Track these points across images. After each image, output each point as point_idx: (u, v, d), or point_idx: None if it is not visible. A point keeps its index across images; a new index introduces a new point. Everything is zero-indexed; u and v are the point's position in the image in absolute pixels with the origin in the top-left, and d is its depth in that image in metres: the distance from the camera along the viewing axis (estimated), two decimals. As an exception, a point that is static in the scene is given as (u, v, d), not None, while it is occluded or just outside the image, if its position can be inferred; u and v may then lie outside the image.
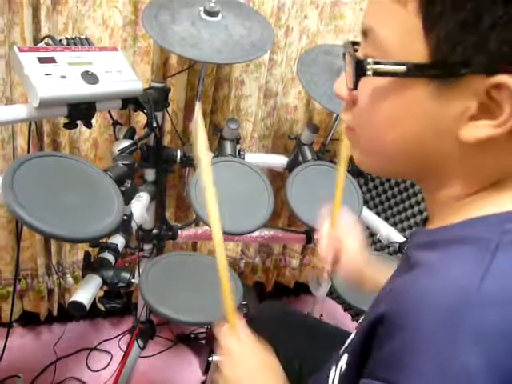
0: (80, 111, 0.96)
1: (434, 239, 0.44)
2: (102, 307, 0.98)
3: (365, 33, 0.43)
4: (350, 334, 0.93)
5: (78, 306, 0.83)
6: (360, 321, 0.55)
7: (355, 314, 1.88)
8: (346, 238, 0.82)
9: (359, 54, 0.44)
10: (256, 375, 0.62)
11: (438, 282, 0.37)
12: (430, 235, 0.46)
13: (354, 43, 0.46)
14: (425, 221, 0.53)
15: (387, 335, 0.38)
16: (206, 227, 1.24)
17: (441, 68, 0.38)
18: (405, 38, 0.39)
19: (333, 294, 1.87)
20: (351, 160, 1.63)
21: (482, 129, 0.38)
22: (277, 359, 0.65)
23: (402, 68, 0.39)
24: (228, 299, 0.64)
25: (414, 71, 0.39)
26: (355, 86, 0.43)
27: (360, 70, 0.41)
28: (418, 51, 0.38)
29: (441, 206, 0.46)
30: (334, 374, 0.54)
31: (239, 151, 1.33)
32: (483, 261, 0.37)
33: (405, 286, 0.40)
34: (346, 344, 0.54)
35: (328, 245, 0.82)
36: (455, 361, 0.33)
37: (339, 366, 0.52)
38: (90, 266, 0.93)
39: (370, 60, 0.40)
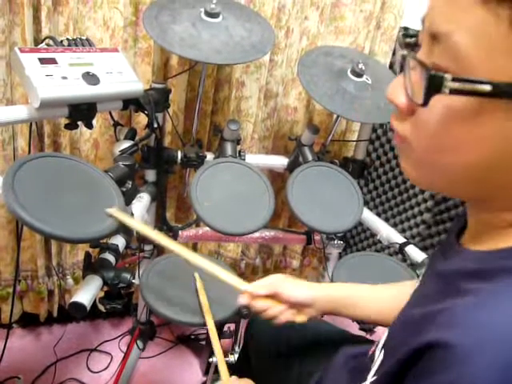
0: (81, 112, 0.96)
1: (487, 267, 0.40)
2: (102, 308, 0.98)
3: (435, 37, 0.37)
4: (350, 334, 0.93)
5: (78, 306, 0.83)
6: (384, 339, 0.52)
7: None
8: (279, 283, 0.79)
9: (425, 61, 0.38)
10: None
11: (499, 315, 0.35)
12: (480, 261, 0.41)
13: (415, 45, 0.41)
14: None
15: (442, 364, 0.35)
16: (207, 228, 1.24)
17: None
18: (491, 50, 0.33)
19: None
20: (351, 160, 1.63)
21: None
22: None
23: (487, 87, 0.33)
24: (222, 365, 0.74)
25: (502, 92, 0.33)
26: (425, 103, 0.36)
27: (434, 85, 0.35)
28: (504, 67, 0.33)
29: (493, 229, 0.42)
30: None
31: (240, 152, 1.33)
32: None
33: (459, 316, 0.37)
34: (376, 367, 0.50)
35: (259, 297, 0.78)
36: None
37: None
38: (91, 266, 0.92)
39: (447, 76, 0.34)
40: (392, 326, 0.51)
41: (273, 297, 0.78)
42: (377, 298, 0.80)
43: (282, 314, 0.78)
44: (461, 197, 0.46)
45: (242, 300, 0.78)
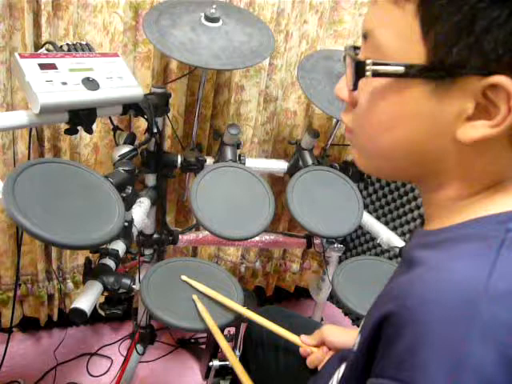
0: (81, 117, 0.96)
1: (436, 239, 0.44)
2: (102, 313, 0.98)
3: (365, 36, 0.44)
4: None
5: (79, 312, 0.83)
6: (360, 327, 0.54)
7: (356, 318, 1.88)
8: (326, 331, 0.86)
9: (360, 57, 0.44)
10: None
11: (445, 277, 0.37)
12: (430, 235, 0.46)
13: (356, 48, 0.47)
14: (423, 223, 0.53)
15: (396, 333, 0.38)
16: (207, 232, 1.24)
17: (438, 69, 0.38)
18: (403, 39, 0.40)
19: (333, 298, 1.87)
20: (352, 164, 1.64)
21: (479, 129, 0.38)
22: None
23: (400, 69, 0.39)
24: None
25: (412, 72, 0.39)
26: (355, 87, 0.43)
27: (359, 70, 0.42)
28: (415, 53, 0.39)
29: (439, 208, 0.47)
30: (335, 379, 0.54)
31: (240, 156, 1.33)
32: (489, 257, 0.37)
33: (410, 283, 0.40)
34: (345, 353, 0.55)
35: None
36: (469, 357, 0.33)
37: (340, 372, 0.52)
38: (91, 272, 0.93)
39: (369, 61, 0.41)
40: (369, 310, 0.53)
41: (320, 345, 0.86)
42: None
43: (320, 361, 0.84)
44: (403, 179, 0.52)
45: (303, 353, 0.87)
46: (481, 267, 0.36)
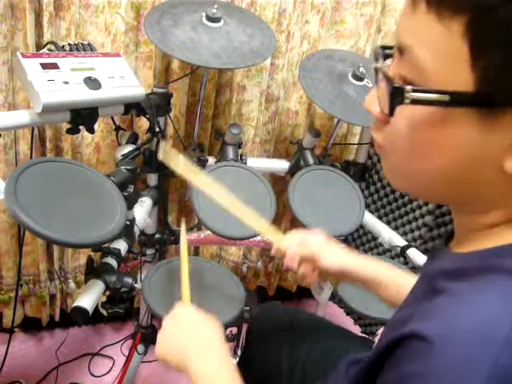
0: (83, 117, 0.96)
1: (463, 267, 0.42)
2: (104, 312, 0.98)
3: (400, 50, 0.39)
4: (355, 336, 0.93)
5: (80, 311, 0.83)
6: (377, 341, 0.53)
7: (358, 318, 1.87)
8: (311, 239, 0.82)
9: (393, 73, 0.40)
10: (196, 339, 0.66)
11: (469, 310, 0.36)
12: (459, 261, 0.44)
13: (386, 48, 0.43)
14: (447, 238, 0.50)
15: (409, 356, 0.37)
16: (208, 232, 1.24)
17: (487, 98, 0.35)
18: (448, 62, 0.35)
19: (335, 298, 1.86)
20: (353, 163, 1.64)
21: None
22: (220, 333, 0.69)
23: (445, 97, 0.35)
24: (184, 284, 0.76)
25: (458, 101, 0.35)
26: (391, 114, 0.39)
27: (397, 97, 0.37)
28: (462, 78, 0.35)
29: (474, 231, 0.44)
30: None
31: (241, 156, 1.34)
32: None
33: (432, 311, 0.38)
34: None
35: (295, 252, 0.81)
36: None
37: None
38: (93, 271, 0.93)
39: (408, 87, 0.37)
40: (385, 327, 0.52)
41: (307, 257, 0.80)
42: (397, 282, 0.80)
43: (309, 277, 0.81)
44: (438, 201, 0.50)
45: (274, 252, 0.82)
46: (505, 305, 0.35)
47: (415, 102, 0.37)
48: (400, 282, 0.78)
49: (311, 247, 0.80)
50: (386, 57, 0.43)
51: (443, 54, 0.36)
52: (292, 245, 0.81)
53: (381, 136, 0.44)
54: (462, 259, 0.43)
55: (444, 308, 0.38)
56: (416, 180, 0.44)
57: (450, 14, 0.34)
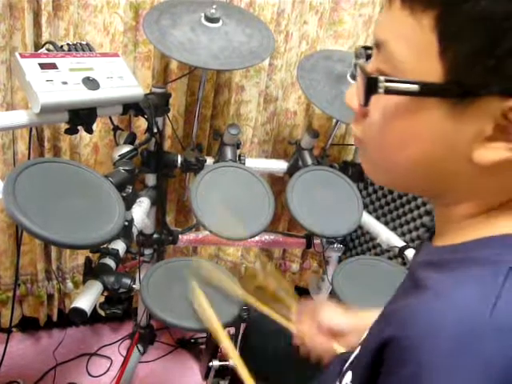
0: (81, 117, 0.96)
1: (443, 259, 0.43)
2: (102, 313, 0.98)
3: (377, 45, 0.41)
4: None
5: (79, 312, 0.83)
6: (364, 337, 0.53)
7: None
8: (323, 312, 0.81)
9: (371, 67, 0.42)
10: None
11: (449, 306, 0.36)
12: (438, 254, 0.45)
13: (367, 48, 0.45)
14: (431, 235, 0.51)
15: (397, 360, 0.37)
16: (207, 232, 1.24)
17: (456, 88, 0.36)
18: (419, 54, 0.37)
19: (333, 298, 1.87)
20: (351, 164, 1.63)
21: (497, 151, 0.37)
22: None
23: (416, 87, 0.37)
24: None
25: (428, 91, 0.37)
26: (366, 103, 0.40)
27: (371, 87, 0.39)
28: (432, 69, 0.37)
29: (450, 224, 0.45)
30: None
31: (239, 156, 1.34)
32: (495, 284, 0.36)
33: (414, 310, 0.38)
34: (350, 360, 0.53)
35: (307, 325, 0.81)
36: None
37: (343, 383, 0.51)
38: (91, 271, 0.93)
39: (381, 78, 0.38)
40: (372, 323, 0.52)
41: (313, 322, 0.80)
42: None
43: (324, 347, 0.79)
44: (416, 193, 0.50)
45: (297, 341, 0.81)
46: (486, 296, 0.35)
47: (388, 91, 0.38)
48: None
49: (313, 313, 0.81)
50: (369, 57, 0.45)
51: (415, 46, 0.37)
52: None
53: (360, 129, 0.46)
54: (439, 251, 0.45)
55: (424, 305, 0.38)
56: (393, 173, 0.45)
57: (422, 8, 0.36)
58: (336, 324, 0.78)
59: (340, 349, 0.77)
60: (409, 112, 0.39)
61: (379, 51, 0.41)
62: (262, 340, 0.97)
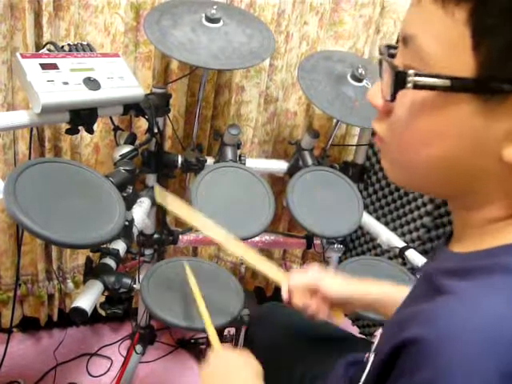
0: (82, 117, 0.96)
1: (466, 266, 0.41)
2: (102, 312, 0.98)
3: (405, 40, 0.40)
4: (352, 336, 0.93)
5: (79, 312, 0.83)
6: (377, 342, 0.52)
7: (356, 318, 1.88)
8: (319, 277, 0.81)
9: (398, 63, 0.41)
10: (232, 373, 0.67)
11: (471, 311, 0.35)
12: (460, 261, 0.43)
13: (391, 47, 0.44)
14: (448, 238, 0.49)
15: (416, 363, 0.36)
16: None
17: (488, 84, 0.35)
18: (450, 49, 0.36)
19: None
20: (351, 164, 1.64)
21: None
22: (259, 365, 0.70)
23: (446, 82, 0.36)
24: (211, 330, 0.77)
25: (459, 86, 0.36)
26: (393, 98, 0.40)
27: (399, 81, 0.38)
28: (464, 64, 0.35)
29: (473, 228, 0.43)
30: None
31: (240, 156, 1.34)
32: None
33: (434, 312, 0.37)
34: (367, 370, 0.51)
35: (299, 292, 0.81)
36: None
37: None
38: (92, 271, 0.93)
39: (410, 71, 0.37)
40: (383, 329, 0.51)
41: (311, 291, 0.80)
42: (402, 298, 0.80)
43: (321, 312, 0.80)
44: (437, 195, 0.49)
45: (284, 296, 0.82)
46: (510, 304, 0.34)
47: (417, 86, 0.37)
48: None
49: (313, 280, 0.81)
50: (391, 56, 0.44)
51: (446, 40, 0.36)
52: (291, 280, 0.82)
53: (382, 127, 0.45)
54: (462, 258, 0.43)
55: (448, 308, 0.37)
56: (415, 171, 0.43)
57: (455, 1, 0.35)
58: (335, 292, 0.79)
59: (339, 319, 0.80)
60: (437, 107, 0.38)
61: (406, 46, 0.40)
62: (264, 354, 0.97)
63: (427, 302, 0.40)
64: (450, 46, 0.36)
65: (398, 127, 0.42)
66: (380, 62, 0.43)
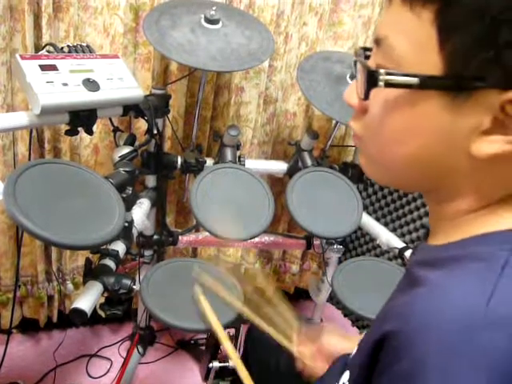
0: (81, 118, 0.96)
1: (439, 256, 0.43)
2: (102, 314, 0.98)
3: (377, 41, 0.42)
4: (351, 336, 0.93)
5: (79, 313, 0.83)
6: (362, 338, 0.54)
7: (356, 319, 1.88)
8: (324, 337, 0.83)
9: (371, 63, 0.43)
10: None
11: (444, 301, 0.36)
12: (434, 252, 0.45)
13: (366, 49, 0.45)
14: (426, 235, 0.51)
15: (395, 355, 0.37)
16: (206, 233, 1.24)
17: (455, 81, 0.36)
18: (418, 48, 0.38)
19: (333, 299, 1.87)
20: (351, 165, 1.64)
21: (495, 144, 0.37)
22: None
23: (415, 80, 0.37)
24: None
25: (427, 84, 0.37)
26: (366, 97, 0.41)
27: (371, 80, 0.39)
28: (431, 63, 0.37)
29: (446, 221, 0.45)
30: None
31: (239, 157, 1.34)
32: (490, 280, 0.36)
33: (410, 305, 0.39)
34: (348, 361, 0.53)
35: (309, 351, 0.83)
36: None
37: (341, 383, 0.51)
38: (91, 272, 0.93)
39: (382, 71, 0.39)
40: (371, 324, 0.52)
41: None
42: None
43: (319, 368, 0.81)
44: (412, 189, 0.52)
45: (299, 366, 0.83)
46: (481, 290, 0.35)
47: (388, 84, 0.39)
48: None
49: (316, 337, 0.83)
50: (367, 57, 0.45)
51: (415, 40, 0.38)
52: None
53: (359, 126, 0.46)
54: (436, 250, 0.45)
55: (421, 299, 0.38)
56: (391, 168, 0.45)
57: (421, 3, 0.37)
58: (336, 349, 0.79)
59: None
60: (408, 105, 0.40)
61: (379, 47, 0.42)
62: (264, 354, 0.97)
63: (404, 294, 0.42)
64: (418, 46, 0.38)
65: (372, 125, 0.44)
66: (355, 63, 0.45)
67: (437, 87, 0.37)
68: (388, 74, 0.39)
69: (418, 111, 0.39)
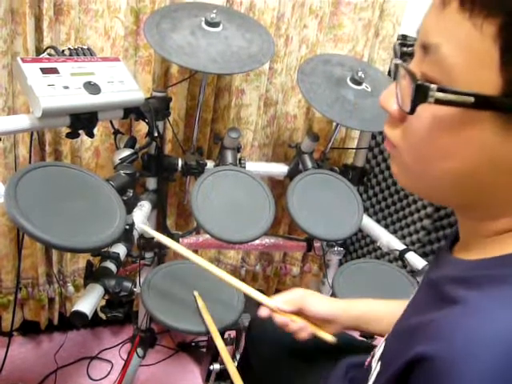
0: (82, 121, 0.96)
1: (475, 275, 0.40)
2: (103, 316, 0.98)
3: (426, 48, 0.38)
4: (354, 339, 0.93)
5: (80, 315, 0.83)
6: (380, 351, 0.51)
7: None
8: (303, 295, 0.82)
9: (414, 68, 0.39)
10: None
11: (487, 325, 0.34)
12: (468, 269, 0.42)
13: (403, 45, 0.43)
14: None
15: (431, 380, 0.35)
16: (207, 235, 1.24)
17: None
18: (476, 64, 0.34)
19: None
20: (351, 167, 1.64)
21: None
22: None
23: (470, 99, 0.34)
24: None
25: (484, 104, 0.34)
26: (412, 111, 0.38)
27: (420, 95, 0.36)
28: (489, 81, 0.34)
29: (482, 237, 0.43)
30: None
31: (240, 160, 1.34)
32: None
33: (447, 326, 0.36)
34: (373, 378, 0.50)
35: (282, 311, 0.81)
36: None
37: None
38: (92, 275, 0.93)
39: (433, 86, 0.35)
40: (388, 337, 0.51)
41: (296, 312, 0.79)
42: (390, 312, 0.80)
43: (303, 330, 0.79)
44: (446, 204, 0.47)
45: (263, 312, 0.80)
46: None
47: (439, 101, 0.36)
48: (396, 312, 0.80)
49: (297, 300, 0.81)
50: (403, 55, 0.43)
51: (472, 54, 0.34)
52: (278, 302, 0.82)
53: (395, 134, 0.43)
54: (471, 267, 0.42)
55: (460, 321, 0.36)
56: (427, 181, 0.42)
57: (484, 14, 0.33)
58: (318, 312, 0.78)
59: (325, 335, 0.79)
60: (459, 124, 0.37)
61: (426, 54, 0.38)
62: (265, 354, 0.97)
63: (436, 312, 0.39)
64: (475, 60, 0.34)
65: (414, 139, 0.41)
66: (396, 67, 0.41)
67: (493, 108, 0.35)
68: (439, 89, 0.35)
69: (469, 130, 0.37)
